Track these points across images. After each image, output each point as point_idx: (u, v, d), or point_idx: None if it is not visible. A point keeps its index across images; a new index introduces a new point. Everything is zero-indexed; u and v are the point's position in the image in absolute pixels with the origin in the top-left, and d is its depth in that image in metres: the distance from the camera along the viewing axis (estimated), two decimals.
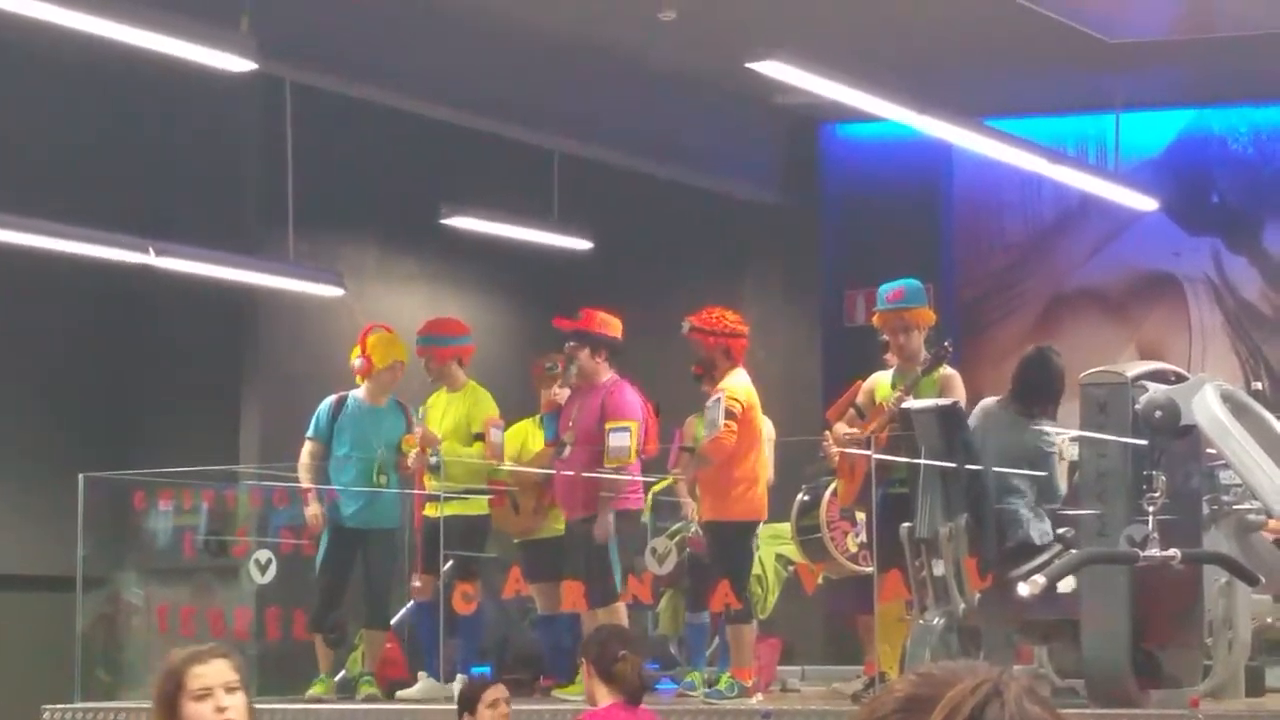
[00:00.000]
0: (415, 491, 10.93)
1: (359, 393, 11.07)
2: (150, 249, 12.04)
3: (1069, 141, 15.50)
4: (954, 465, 9.36)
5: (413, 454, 10.77)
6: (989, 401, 9.90)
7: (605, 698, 7.15)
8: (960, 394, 9.96)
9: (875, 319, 10.29)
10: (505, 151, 14.34)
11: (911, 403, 9.70)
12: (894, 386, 10.10)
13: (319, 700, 10.72)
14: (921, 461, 9.40)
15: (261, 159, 13.90)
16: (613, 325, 10.61)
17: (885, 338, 10.40)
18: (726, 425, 10.07)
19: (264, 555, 10.69)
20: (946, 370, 10.11)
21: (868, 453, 9.78)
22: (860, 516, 10.42)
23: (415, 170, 14.73)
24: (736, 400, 10.20)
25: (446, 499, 10.64)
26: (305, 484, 10.90)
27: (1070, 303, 15.82)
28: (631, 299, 14.35)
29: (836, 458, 10.24)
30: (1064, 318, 15.81)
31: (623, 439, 10.19)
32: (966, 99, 13.38)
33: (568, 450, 10.44)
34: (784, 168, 15.96)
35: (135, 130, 14.33)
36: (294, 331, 14.26)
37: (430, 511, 10.89)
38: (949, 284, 16.01)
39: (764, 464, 10.50)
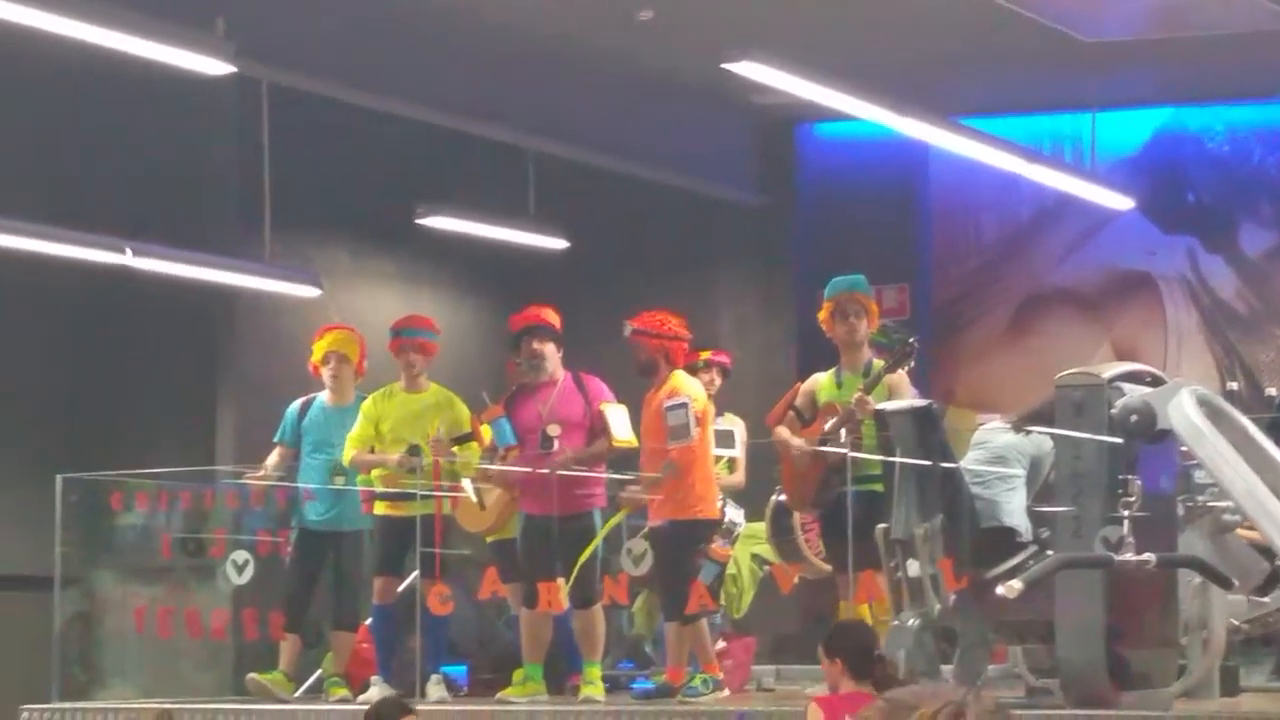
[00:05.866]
0: (360, 489, 10.87)
1: (324, 395, 11.13)
2: (128, 250, 12.03)
3: (1045, 141, 15.54)
4: (929, 465, 9.39)
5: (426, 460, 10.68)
6: (994, 423, 9.97)
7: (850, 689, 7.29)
8: (908, 394, 9.96)
9: (826, 307, 10.20)
10: (481, 151, 14.33)
11: (886, 404, 9.72)
12: (840, 386, 10.09)
13: (260, 686, 10.78)
14: (898, 460, 9.42)
15: (238, 160, 13.88)
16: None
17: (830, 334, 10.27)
18: (700, 433, 10.10)
19: (241, 556, 10.68)
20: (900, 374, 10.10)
21: (841, 450, 9.78)
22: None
23: (391, 170, 14.72)
24: (700, 402, 10.24)
25: (410, 498, 10.57)
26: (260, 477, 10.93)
27: (1046, 302, 15.86)
28: (607, 298, 14.33)
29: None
30: (1039, 317, 15.85)
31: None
32: (943, 98, 13.41)
33: (556, 445, 10.42)
34: (760, 167, 15.98)
35: (112, 132, 14.30)
36: (270, 332, 14.24)
37: (387, 510, 10.81)
38: (925, 283, 16.05)
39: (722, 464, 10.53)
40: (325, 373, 11.07)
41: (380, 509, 10.83)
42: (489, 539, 11.08)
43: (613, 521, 10.68)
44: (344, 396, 11.06)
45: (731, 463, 11.46)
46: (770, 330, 15.95)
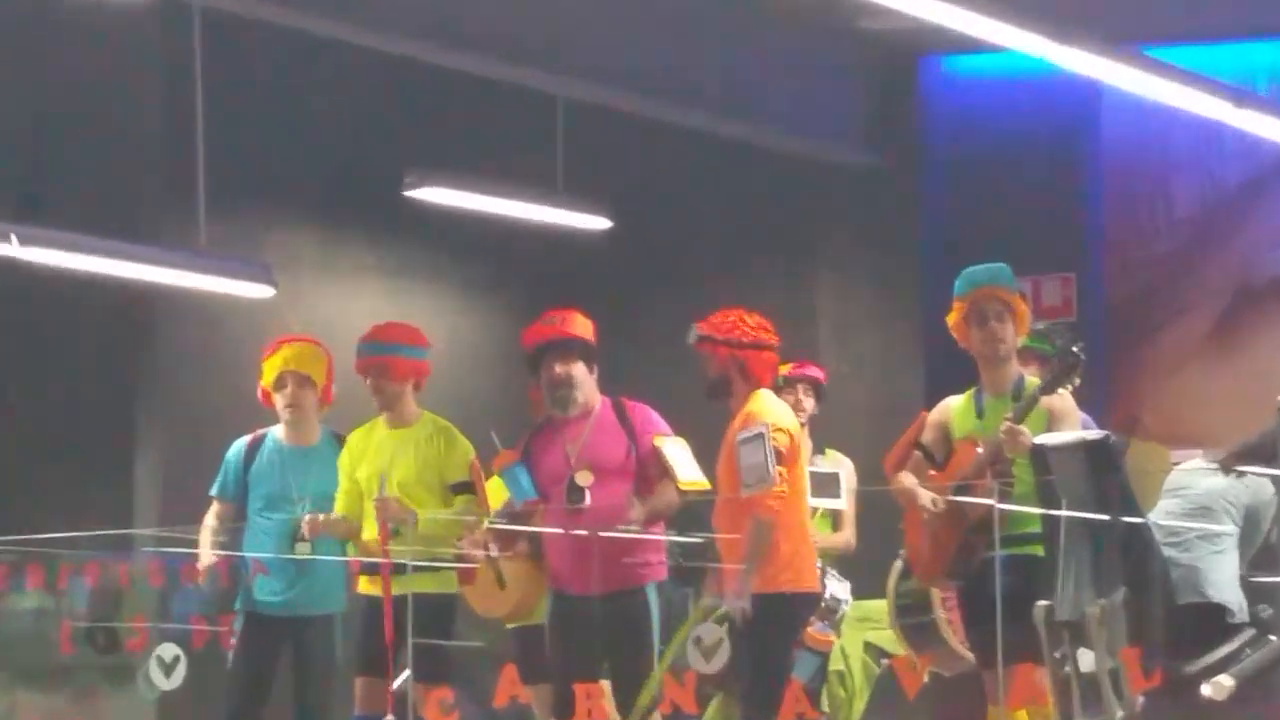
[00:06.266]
0: (351, 558, 10.89)
1: (278, 430, 11.12)
2: (12, 236, 12.05)
3: (1260, 77, 15.48)
4: (1107, 520, 9.32)
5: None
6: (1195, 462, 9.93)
7: None
8: (1076, 424, 9.87)
9: (958, 308, 10.11)
10: (492, 99, 14.40)
11: (1046, 437, 9.62)
12: (980, 414, 10.02)
13: None
14: (1063, 513, 9.37)
15: (162, 114, 13.97)
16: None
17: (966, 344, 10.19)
18: (780, 475, 9.94)
19: (169, 651, 10.66)
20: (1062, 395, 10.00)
21: (989, 501, 9.69)
22: None
23: (371, 126, 14.79)
24: (785, 433, 10.09)
25: (399, 571, 10.54)
26: (208, 554, 10.91)
27: (1262, 299, 15.80)
28: (661, 296, 14.36)
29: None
30: (1253, 319, 15.78)
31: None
32: (1120, 21, 13.33)
33: (588, 499, 10.35)
34: (871, 116, 16.01)
35: None
36: (207, 345, 14.31)
37: (369, 588, 10.81)
38: (1096, 274, 16.03)
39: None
40: (279, 401, 11.11)
41: (362, 586, 10.90)
42: (509, 625, 11.02)
43: (685, 629, 10.49)
44: (305, 434, 11.12)
45: (835, 516, 11.41)
46: (887, 337, 15.95)
